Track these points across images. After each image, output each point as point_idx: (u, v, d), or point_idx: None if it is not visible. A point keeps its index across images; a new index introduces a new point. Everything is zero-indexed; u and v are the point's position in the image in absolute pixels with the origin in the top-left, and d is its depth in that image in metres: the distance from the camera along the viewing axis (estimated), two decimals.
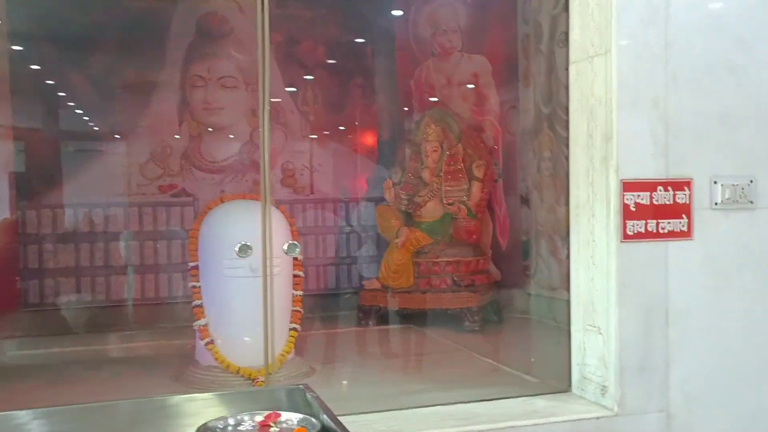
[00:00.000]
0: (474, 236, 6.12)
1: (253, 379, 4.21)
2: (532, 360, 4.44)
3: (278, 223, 4.62)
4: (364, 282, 6.14)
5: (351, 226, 6.75)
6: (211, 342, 4.33)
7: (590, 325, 3.69)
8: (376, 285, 6.04)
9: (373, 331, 5.80)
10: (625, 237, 3.49)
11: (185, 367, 4.46)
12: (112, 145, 6.13)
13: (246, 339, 4.27)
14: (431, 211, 6.12)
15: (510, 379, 4.24)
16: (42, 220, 5.82)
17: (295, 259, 4.67)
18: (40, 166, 5.93)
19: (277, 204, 6.48)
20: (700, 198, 3.59)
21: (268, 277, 3.66)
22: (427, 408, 3.59)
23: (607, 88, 3.55)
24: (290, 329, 4.53)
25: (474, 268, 5.96)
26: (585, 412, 3.52)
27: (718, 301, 3.59)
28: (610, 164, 3.53)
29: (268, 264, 3.65)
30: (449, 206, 6.02)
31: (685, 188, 3.59)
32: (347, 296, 6.38)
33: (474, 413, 3.51)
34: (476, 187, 6.09)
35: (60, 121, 6.11)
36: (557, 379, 3.92)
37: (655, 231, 3.54)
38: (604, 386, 3.59)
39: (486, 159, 6.20)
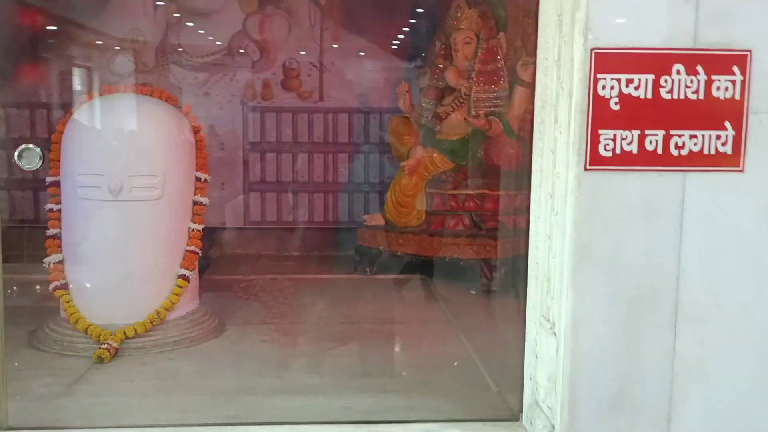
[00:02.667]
0: (512, 162, 4.44)
1: (102, 343, 3.03)
2: (455, 363, 2.85)
3: (174, 125, 3.34)
4: (365, 216, 4.73)
5: (370, 143, 5.28)
6: (63, 286, 3.19)
7: (544, 318, 2.10)
8: (379, 221, 4.61)
9: (361, 282, 4.40)
10: (594, 161, 1.84)
11: (47, 320, 3.35)
12: (74, 33, 5.02)
13: (87, 285, 3.10)
14: (455, 125, 4.51)
15: (460, 384, 2.74)
16: None
17: (199, 180, 3.39)
18: None
19: (288, 110, 5.15)
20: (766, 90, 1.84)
21: None
22: (251, 427, 2.22)
23: None
24: (178, 276, 3.27)
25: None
26: None
27: None
28: (576, 20, 1.86)
29: None
30: (474, 119, 4.38)
31: (734, 69, 1.84)
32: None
33: None
34: (520, 93, 4.37)
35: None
36: (517, 393, 2.38)
37: (660, 152, 1.85)
38: (552, 426, 2.02)
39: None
